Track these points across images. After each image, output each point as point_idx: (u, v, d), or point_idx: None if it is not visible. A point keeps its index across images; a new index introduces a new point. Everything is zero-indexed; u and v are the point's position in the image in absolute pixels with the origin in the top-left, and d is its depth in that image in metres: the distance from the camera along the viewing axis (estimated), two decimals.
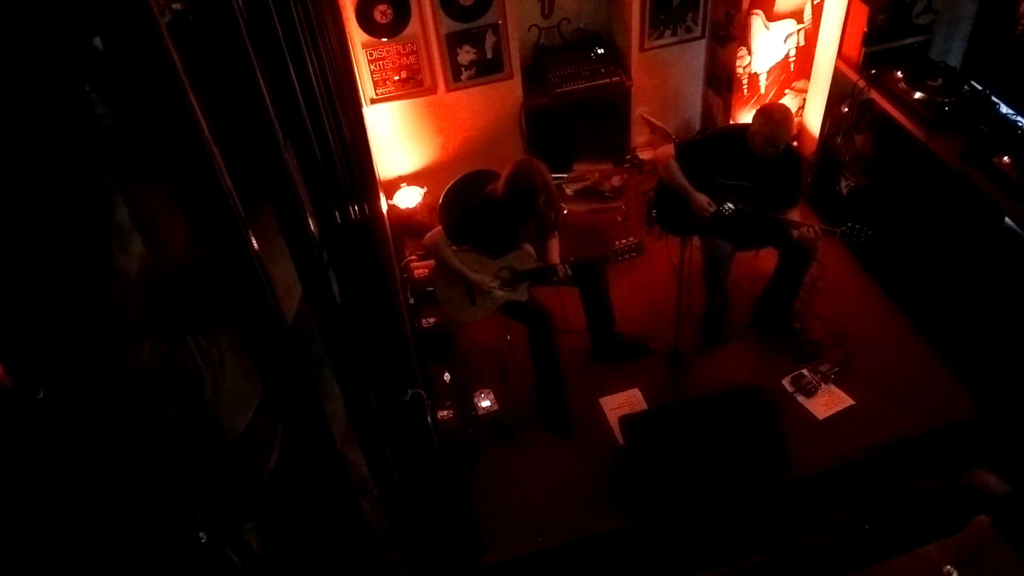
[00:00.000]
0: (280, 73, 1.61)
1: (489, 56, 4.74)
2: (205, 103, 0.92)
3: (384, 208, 4.76)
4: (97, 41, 1.09)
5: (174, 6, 1.60)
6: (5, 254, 1.14)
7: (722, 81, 5.05)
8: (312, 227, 1.55)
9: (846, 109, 4.52)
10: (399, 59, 4.61)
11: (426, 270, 4.50)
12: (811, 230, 3.74)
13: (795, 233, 3.81)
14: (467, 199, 4.03)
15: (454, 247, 3.64)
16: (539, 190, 3.46)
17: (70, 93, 1.36)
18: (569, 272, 3.68)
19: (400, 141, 4.98)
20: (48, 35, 1.25)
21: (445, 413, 3.91)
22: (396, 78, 4.67)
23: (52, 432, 1.16)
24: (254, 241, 0.98)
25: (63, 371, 1.13)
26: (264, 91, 1.30)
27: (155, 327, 1.42)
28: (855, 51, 4.41)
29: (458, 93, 4.85)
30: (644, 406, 4.00)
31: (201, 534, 1.52)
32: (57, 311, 1.19)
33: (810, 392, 3.96)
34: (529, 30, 5.09)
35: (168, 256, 1.46)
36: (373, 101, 4.73)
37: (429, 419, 3.46)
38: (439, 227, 3.68)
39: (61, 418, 1.17)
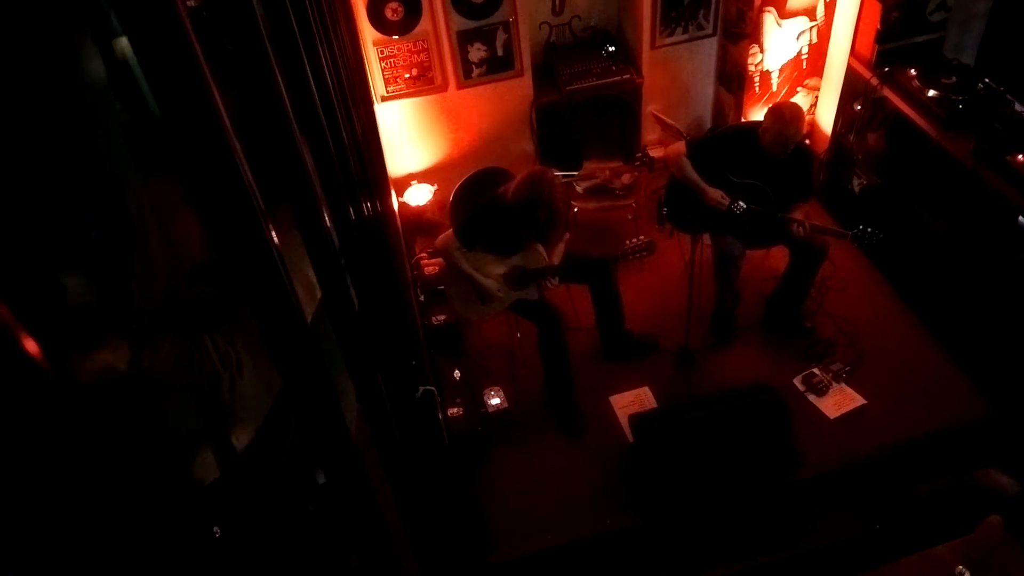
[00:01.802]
0: (295, 70, 1.62)
1: (500, 54, 4.74)
2: (227, 99, 0.92)
3: (395, 205, 4.77)
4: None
5: (188, 3, 1.61)
6: (20, 247, 1.15)
7: (734, 79, 5.03)
8: (327, 222, 1.56)
9: (859, 107, 4.50)
10: (410, 57, 4.62)
11: (436, 267, 4.51)
12: (801, 227, 3.71)
13: (790, 228, 3.77)
14: (477, 199, 4.03)
15: (465, 250, 3.64)
16: (542, 205, 3.44)
17: (90, 87, 1.37)
18: (556, 281, 3.68)
19: (411, 139, 4.99)
20: (68, 29, 1.25)
21: (455, 410, 3.91)
22: (407, 76, 4.68)
23: (69, 425, 1.17)
24: (275, 236, 0.98)
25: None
26: (282, 87, 1.30)
27: (173, 326, 1.43)
28: (868, 48, 4.39)
29: (469, 91, 4.85)
30: (654, 404, 3.99)
31: (215, 529, 1.53)
32: (75, 305, 1.20)
33: (821, 391, 3.95)
34: (540, 27, 5.08)
35: (186, 251, 1.47)
36: (384, 99, 4.74)
37: (439, 416, 3.47)
38: (450, 230, 3.68)
39: (77, 411, 1.17)
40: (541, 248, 3.69)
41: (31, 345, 0.74)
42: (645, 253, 3.68)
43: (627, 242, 3.69)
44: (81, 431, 1.20)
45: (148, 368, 1.43)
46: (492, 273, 3.68)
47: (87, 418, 1.21)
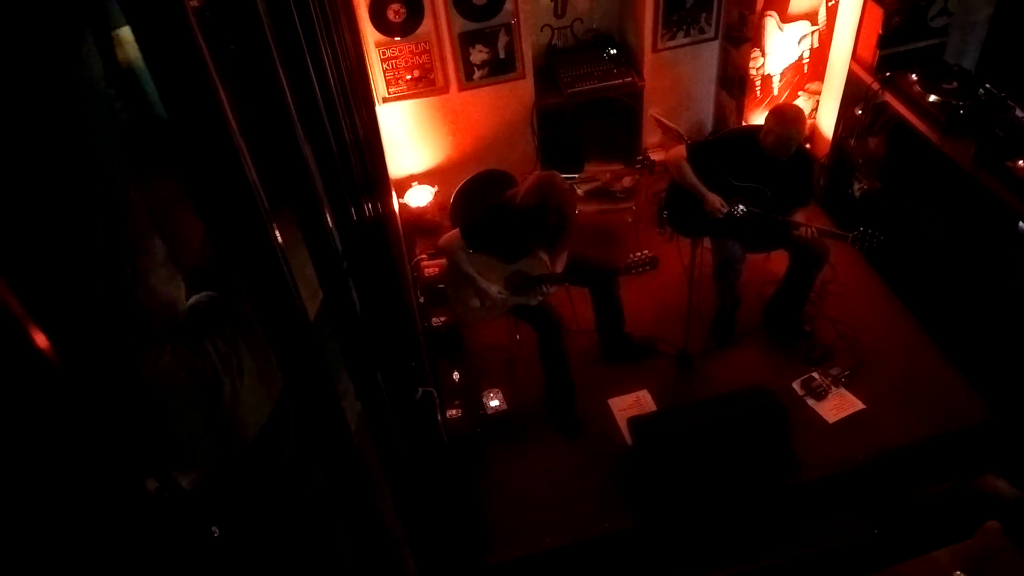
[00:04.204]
0: (298, 71, 1.62)
1: (502, 56, 4.74)
2: (232, 97, 0.92)
3: (396, 206, 4.77)
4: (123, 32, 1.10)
5: (191, 3, 1.61)
6: (23, 254, 1.14)
7: (735, 82, 5.04)
8: (329, 223, 1.56)
9: (860, 112, 4.50)
10: (412, 58, 4.62)
11: (436, 269, 4.50)
12: (808, 231, 3.72)
13: (795, 232, 3.79)
14: (484, 202, 3.99)
15: (469, 251, 3.63)
16: (551, 210, 3.40)
17: (87, 89, 1.36)
18: (549, 291, 3.68)
19: (412, 140, 4.99)
20: (66, 30, 1.25)
21: (454, 412, 3.91)
22: (408, 77, 4.68)
23: (71, 427, 1.17)
24: (278, 235, 0.98)
25: (85, 371, 1.14)
26: (285, 88, 1.30)
27: (175, 330, 1.42)
28: (869, 53, 4.39)
29: (470, 93, 4.86)
30: (653, 407, 3.99)
31: (214, 528, 1.53)
32: (79, 311, 1.20)
33: (820, 395, 3.95)
34: (542, 30, 5.09)
35: (186, 254, 1.47)
36: (385, 100, 4.74)
37: (439, 417, 3.46)
38: (456, 230, 3.66)
39: (81, 416, 1.17)
40: (544, 255, 3.67)
41: (40, 339, 0.74)
42: (648, 267, 3.66)
43: (631, 256, 3.67)
44: (86, 425, 1.20)
45: (151, 371, 1.43)
46: (493, 277, 3.67)
47: (93, 414, 1.21)
